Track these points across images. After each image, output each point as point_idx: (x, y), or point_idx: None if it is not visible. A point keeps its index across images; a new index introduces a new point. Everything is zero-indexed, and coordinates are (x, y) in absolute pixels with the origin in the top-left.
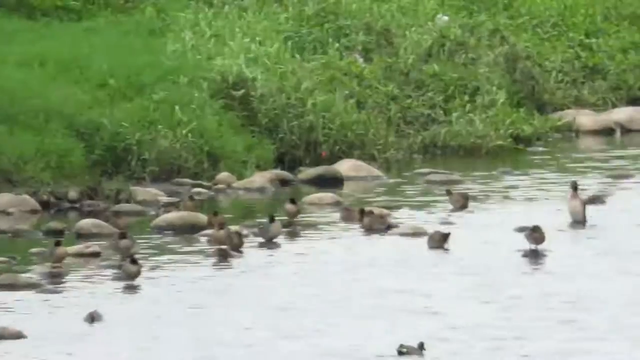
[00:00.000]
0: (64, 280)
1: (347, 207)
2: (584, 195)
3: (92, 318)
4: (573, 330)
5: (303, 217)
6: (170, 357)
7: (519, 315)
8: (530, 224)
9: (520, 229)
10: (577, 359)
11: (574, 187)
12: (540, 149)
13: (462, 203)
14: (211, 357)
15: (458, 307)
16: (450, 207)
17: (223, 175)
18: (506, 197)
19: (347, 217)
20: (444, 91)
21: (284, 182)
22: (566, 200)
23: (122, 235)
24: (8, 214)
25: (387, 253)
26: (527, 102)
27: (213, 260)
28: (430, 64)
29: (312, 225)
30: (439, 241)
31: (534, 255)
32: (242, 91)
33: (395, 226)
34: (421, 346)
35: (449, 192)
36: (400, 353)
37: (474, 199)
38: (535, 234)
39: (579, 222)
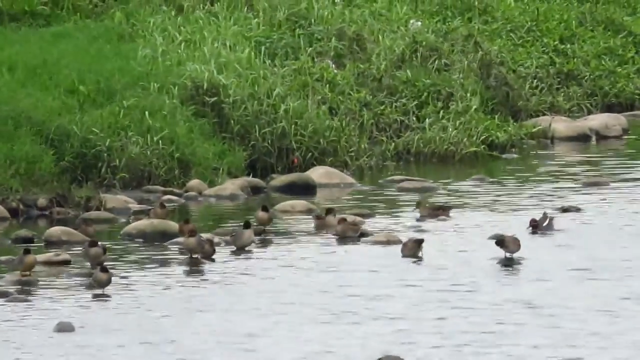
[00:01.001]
0: (33, 288)
1: (318, 214)
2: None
3: (64, 328)
4: (545, 336)
5: (275, 224)
6: None
7: (493, 322)
8: (505, 231)
9: (495, 237)
10: None
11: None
12: (515, 155)
13: (431, 215)
14: None
15: (431, 314)
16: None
17: (194, 182)
18: (480, 205)
19: (320, 225)
20: (417, 97)
21: (255, 190)
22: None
23: (93, 243)
24: None
25: (360, 261)
26: (501, 109)
27: (184, 268)
28: (403, 70)
29: (285, 233)
30: (413, 249)
31: (509, 263)
32: (216, 98)
33: (369, 234)
34: None
35: (418, 204)
36: None
37: (447, 207)
38: (509, 242)
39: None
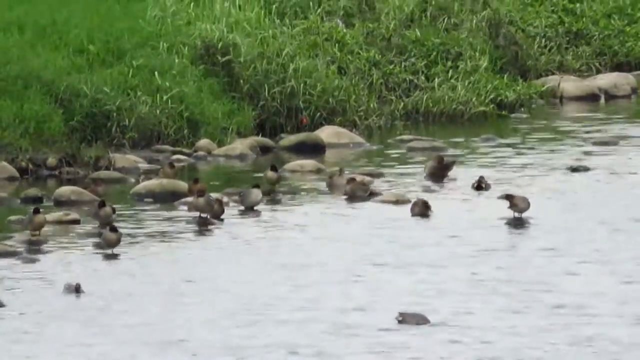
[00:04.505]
0: (43, 248)
1: (331, 174)
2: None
3: (75, 289)
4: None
5: (284, 184)
6: (149, 329)
7: (503, 282)
8: (514, 191)
9: (504, 197)
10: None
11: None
12: (524, 115)
13: (436, 169)
14: (190, 323)
15: (442, 272)
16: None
17: (203, 142)
18: (489, 164)
19: (329, 185)
20: (426, 57)
21: (264, 149)
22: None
23: (102, 203)
24: None
25: (369, 221)
26: (510, 68)
27: (193, 228)
28: (412, 30)
29: (293, 192)
30: (422, 208)
31: (518, 222)
32: (227, 57)
33: (378, 193)
34: (425, 319)
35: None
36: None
37: (457, 165)
38: (515, 201)
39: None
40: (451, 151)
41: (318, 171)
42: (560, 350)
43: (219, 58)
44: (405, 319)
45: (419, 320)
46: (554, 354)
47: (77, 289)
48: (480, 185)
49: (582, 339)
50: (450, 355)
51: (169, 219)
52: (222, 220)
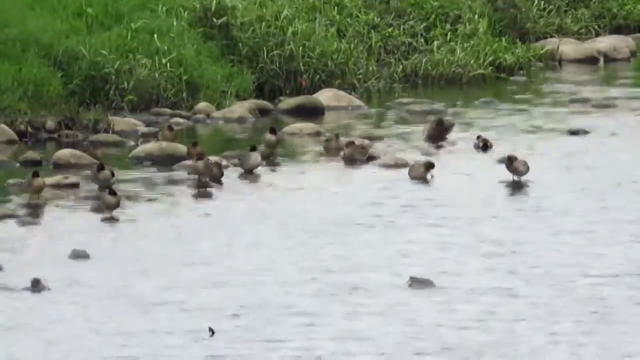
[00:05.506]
0: (42, 211)
1: (330, 137)
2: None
3: (78, 255)
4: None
5: (283, 147)
6: (152, 292)
7: (502, 240)
8: (513, 154)
9: (504, 160)
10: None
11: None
12: (523, 78)
13: (434, 131)
14: (192, 285)
15: (440, 235)
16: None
17: (202, 105)
18: (488, 127)
19: (328, 148)
20: (425, 20)
21: (263, 112)
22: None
23: (101, 166)
24: None
25: (368, 183)
26: (509, 31)
27: (192, 191)
28: None
29: (292, 155)
30: (420, 171)
31: (517, 185)
32: (224, 19)
33: (377, 157)
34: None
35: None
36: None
37: (455, 128)
38: (515, 165)
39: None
40: (450, 114)
41: (317, 134)
42: (560, 311)
43: (216, 21)
44: (413, 283)
45: (427, 285)
46: (553, 315)
47: (84, 255)
48: (485, 145)
49: (582, 299)
50: (449, 317)
51: (167, 182)
52: (221, 183)
